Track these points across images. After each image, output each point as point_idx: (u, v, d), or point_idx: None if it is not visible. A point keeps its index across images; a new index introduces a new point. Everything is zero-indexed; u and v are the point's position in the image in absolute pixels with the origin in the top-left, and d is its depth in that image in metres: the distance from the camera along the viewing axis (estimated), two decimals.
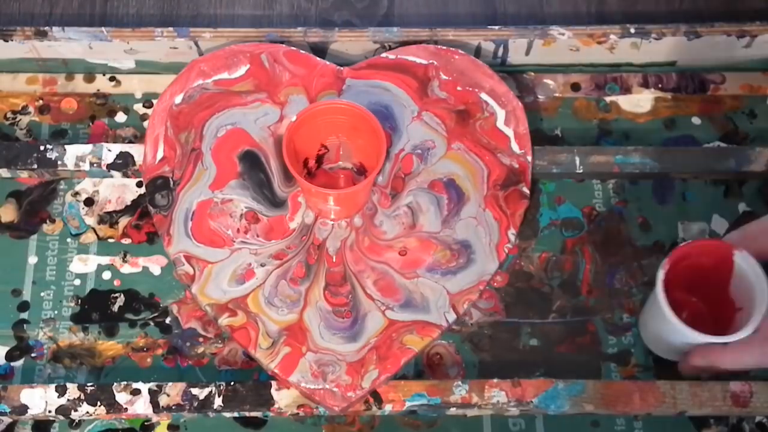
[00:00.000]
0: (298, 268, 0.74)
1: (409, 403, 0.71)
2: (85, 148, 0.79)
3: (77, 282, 0.78)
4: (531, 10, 0.89)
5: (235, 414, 0.72)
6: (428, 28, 0.82)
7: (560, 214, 0.80)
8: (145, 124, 0.82)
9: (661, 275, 0.68)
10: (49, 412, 0.71)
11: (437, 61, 0.80)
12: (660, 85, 0.84)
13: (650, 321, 0.73)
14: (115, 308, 0.77)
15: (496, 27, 0.82)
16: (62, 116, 0.84)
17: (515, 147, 0.78)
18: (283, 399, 0.72)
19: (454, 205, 0.76)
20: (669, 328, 0.68)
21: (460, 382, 0.72)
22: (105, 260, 0.79)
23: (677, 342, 0.70)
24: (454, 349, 0.76)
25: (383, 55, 0.81)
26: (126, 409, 0.71)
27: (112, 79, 0.85)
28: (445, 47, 0.80)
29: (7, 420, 0.74)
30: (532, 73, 0.85)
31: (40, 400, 0.72)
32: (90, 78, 0.85)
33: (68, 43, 0.81)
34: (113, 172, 0.80)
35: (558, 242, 0.79)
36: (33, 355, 0.76)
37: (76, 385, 0.72)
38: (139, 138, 0.83)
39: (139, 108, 0.84)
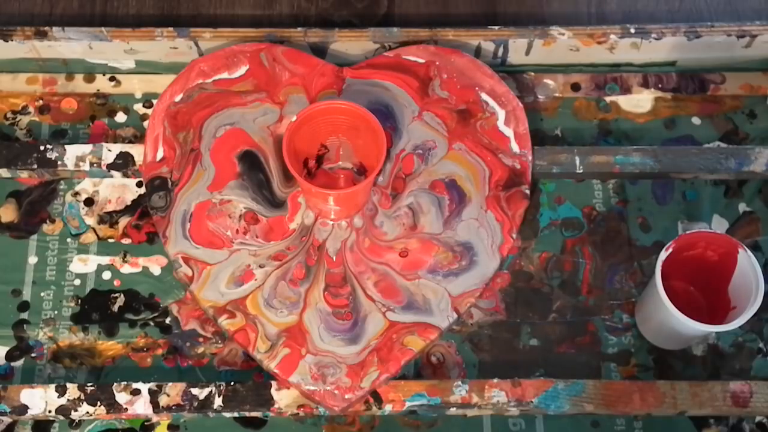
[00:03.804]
0: (297, 269, 0.74)
1: (409, 403, 0.72)
2: (85, 148, 0.79)
3: (77, 282, 0.78)
4: (531, 10, 0.89)
5: (235, 414, 0.72)
6: (428, 28, 0.82)
7: (560, 214, 0.80)
8: (145, 124, 0.82)
9: (662, 257, 0.68)
10: (49, 412, 0.71)
11: (437, 61, 0.80)
12: (660, 85, 0.84)
13: (646, 305, 0.74)
14: (115, 308, 0.77)
15: (496, 27, 0.82)
16: (62, 116, 0.84)
17: (515, 147, 0.78)
18: (283, 399, 0.72)
19: (455, 206, 0.76)
20: (663, 312, 0.68)
21: (460, 382, 0.72)
22: (105, 260, 0.79)
23: (669, 327, 0.70)
24: (455, 349, 0.76)
25: (383, 54, 0.81)
26: (126, 409, 0.71)
27: (112, 79, 0.85)
28: (445, 47, 0.80)
29: (7, 420, 0.74)
30: (532, 73, 0.85)
31: (40, 400, 0.72)
32: (90, 78, 0.85)
33: (68, 43, 0.81)
34: (113, 172, 0.80)
35: (558, 242, 0.79)
36: (33, 355, 0.76)
37: (76, 385, 0.72)
38: (139, 138, 0.83)
39: (139, 108, 0.84)
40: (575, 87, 0.85)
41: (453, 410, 0.72)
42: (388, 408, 0.72)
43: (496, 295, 0.78)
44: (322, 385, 0.71)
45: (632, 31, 0.81)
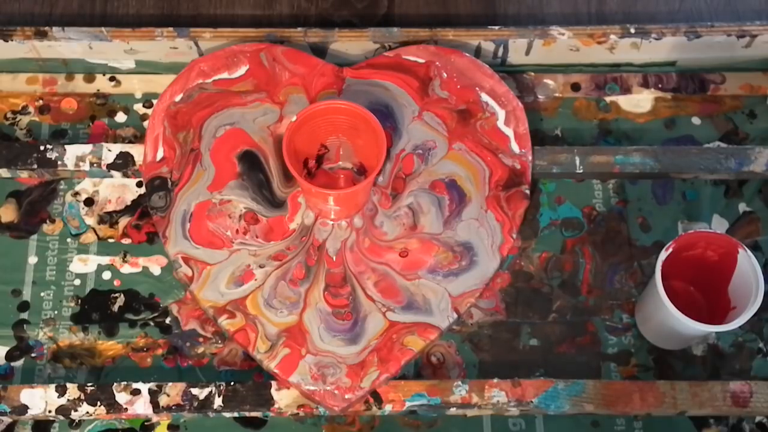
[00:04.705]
0: (297, 269, 0.74)
1: (409, 403, 0.72)
2: (85, 148, 0.79)
3: (77, 282, 0.78)
4: (531, 10, 0.89)
5: (235, 414, 0.72)
6: (428, 28, 0.82)
7: (560, 214, 0.80)
8: (145, 124, 0.82)
9: (662, 257, 0.68)
10: (49, 412, 0.71)
11: (437, 61, 0.80)
12: (660, 85, 0.84)
13: (646, 305, 0.74)
14: (115, 308, 0.77)
15: (496, 27, 0.82)
16: (62, 116, 0.84)
17: (515, 147, 0.78)
18: (283, 399, 0.72)
19: (455, 206, 0.76)
20: (663, 312, 0.68)
21: (460, 382, 0.72)
22: (105, 260, 0.79)
23: (669, 327, 0.70)
24: (455, 349, 0.76)
25: (383, 54, 0.81)
26: (126, 409, 0.71)
27: (112, 79, 0.85)
28: (445, 47, 0.80)
29: (7, 420, 0.74)
30: (532, 73, 0.85)
31: (40, 400, 0.72)
32: (90, 78, 0.85)
33: (68, 43, 0.81)
34: (113, 172, 0.80)
35: (558, 242, 0.79)
36: (33, 355, 0.76)
37: (76, 385, 0.72)
38: (139, 138, 0.83)
39: (139, 108, 0.84)
40: (575, 87, 0.85)
41: (453, 410, 0.72)
42: (388, 408, 0.72)
43: (496, 295, 0.77)
44: (322, 385, 0.71)
45: (632, 31, 0.81)
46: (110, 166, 0.79)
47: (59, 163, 0.79)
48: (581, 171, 0.79)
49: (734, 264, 0.70)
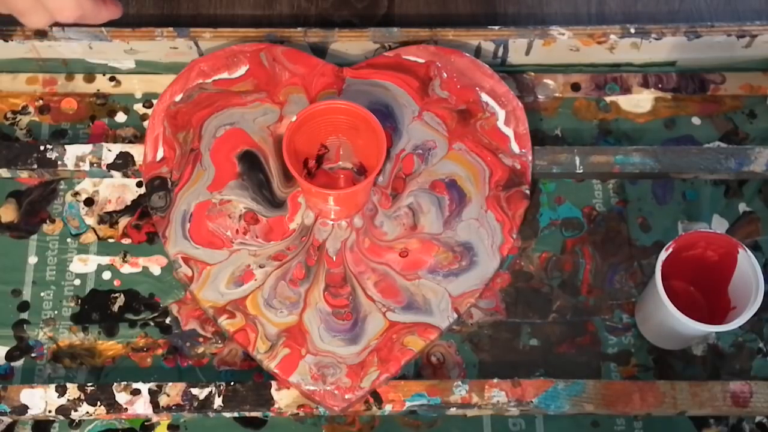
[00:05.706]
0: (297, 269, 0.74)
1: (409, 403, 0.72)
2: (85, 148, 0.79)
3: (77, 282, 0.78)
4: (531, 10, 0.89)
5: (235, 414, 0.72)
6: (428, 28, 0.82)
7: (560, 214, 0.80)
8: (145, 124, 0.82)
9: (662, 257, 0.68)
10: (49, 412, 0.71)
11: (437, 61, 0.80)
12: (660, 85, 0.84)
13: (646, 305, 0.74)
14: (115, 308, 0.77)
15: (496, 27, 0.82)
16: (62, 116, 0.84)
17: (515, 147, 0.78)
18: (283, 399, 0.72)
19: (455, 206, 0.76)
20: (663, 312, 0.68)
21: (460, 382, 0.72)
22: (105, 260, 0.79)
23: (669, 327, 0.70)
24: (455, 349, 0.76)
25: (383, 54, 0.81)
26: (126, 409, 0.71)
27: (112, 79, 0.85)
28: (445, 47, 0.80)
29: (7, 420, 0.74)
30: (532, 73, 0.85)
31: (40, 400, 0.72)
32: (90, 78, 0.85)
33: (68, 43, 0.81)
34: (113, 172, 0.80)
35: (558, 242, 0.79)
36: (33, 355, 0.76)
37: (76, 385, 0.72)
38: (139, 138, 0.83)
39: (139, 108, 0.84)
40: (575, 87, 0.85)
41: (453, 410, 0.72)
42: (388, 408, 0.72)
43: (496, 295, 0.78)
44: (322, 385, 0.71)
45: (632, 31, 0.81)
46: (110, 166, 0.79)
47: (59, 163, 0.79)
48: (581, 171, 0.79)
49: (734, 264, 0.70)
